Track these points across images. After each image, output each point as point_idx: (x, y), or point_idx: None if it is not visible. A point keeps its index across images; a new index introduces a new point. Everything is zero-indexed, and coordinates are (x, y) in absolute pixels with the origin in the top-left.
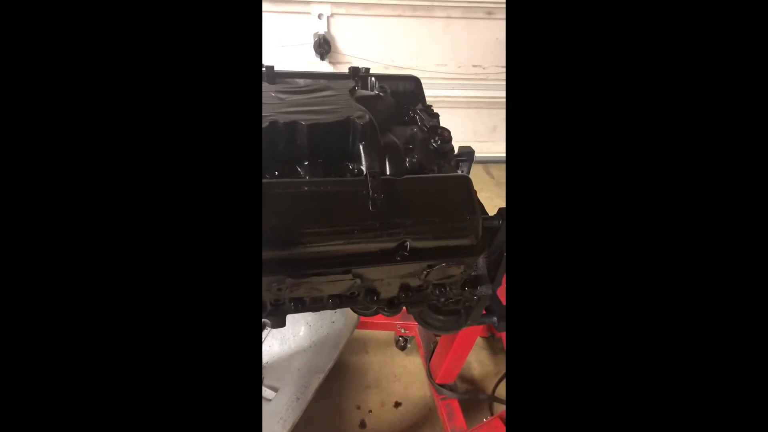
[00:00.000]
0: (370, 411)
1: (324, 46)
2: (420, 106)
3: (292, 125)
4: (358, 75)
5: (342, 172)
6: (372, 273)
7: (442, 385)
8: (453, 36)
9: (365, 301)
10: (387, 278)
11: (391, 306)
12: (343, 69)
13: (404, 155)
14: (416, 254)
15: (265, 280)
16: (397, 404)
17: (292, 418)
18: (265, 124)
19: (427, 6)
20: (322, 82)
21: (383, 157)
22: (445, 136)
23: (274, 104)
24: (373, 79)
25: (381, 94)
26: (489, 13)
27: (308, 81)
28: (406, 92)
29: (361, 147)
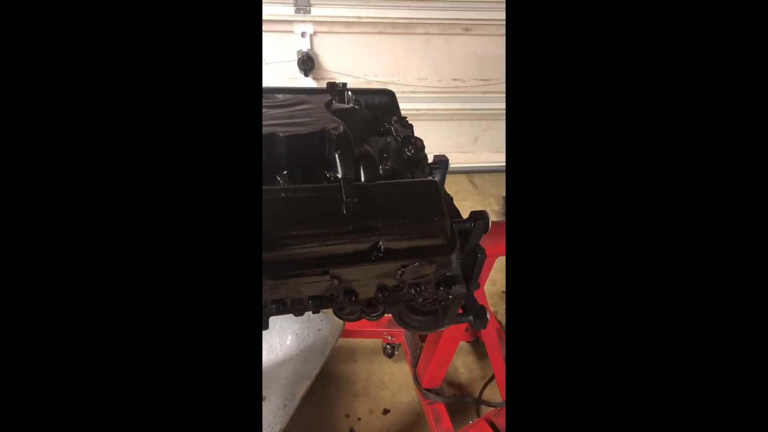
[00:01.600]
0: (359, 419)
1: (308, 63)
2: (395, 117)
3: (271, 137)
4: (336, 90)
5: (319, 180)
6: (349, 273)
7: (428, 390)
8: (432, 51)
9: (344, 302)
10: (364, 279)
11: (370, 306)
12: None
13: (378, 163)
14: (390, 254)
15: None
16: (386, 411)
17: (278, 425)
18: None
19: (407, 23)
20: (301, 97)
21: (358, 165)
22: (418, 145)
23: None
24: (349, 93)
25: (356, 107)
26: (466, 29)
27: (287, 96)
28: (381, 105)
29: (336, 156)
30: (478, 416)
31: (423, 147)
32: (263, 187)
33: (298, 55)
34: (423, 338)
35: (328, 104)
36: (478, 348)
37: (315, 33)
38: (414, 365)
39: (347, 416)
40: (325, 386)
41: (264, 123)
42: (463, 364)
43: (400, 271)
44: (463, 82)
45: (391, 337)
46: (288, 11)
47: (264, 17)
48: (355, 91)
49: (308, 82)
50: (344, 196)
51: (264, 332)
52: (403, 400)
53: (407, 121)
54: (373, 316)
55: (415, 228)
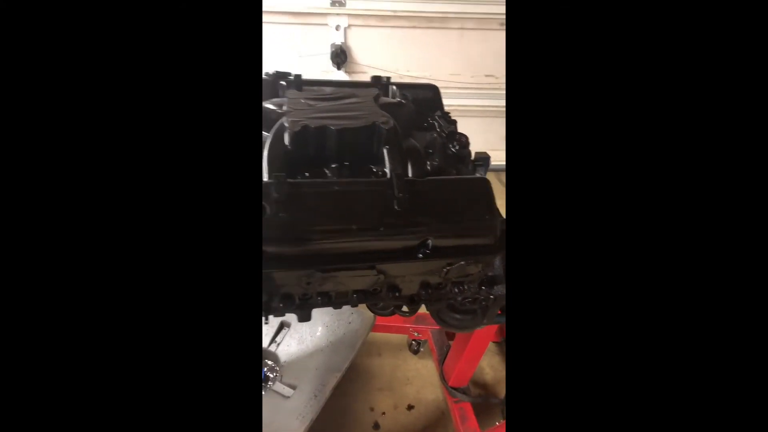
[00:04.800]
0: (384, 413)
1: (341, 56)
2: (438, 112)
3: (322, 130)
4: (380, 83)
5: (367, 174)
6: (395, 269)
7: (455, 389)
8: (467, 47)
9: (387, 297)
10: (408, 275)
11: (411, 303)
12: (359, 78)
13: (425, 159)
14: (437, 252)
15: (296, 274)
16: (410, 407)
17: (310, 414)
18: (296, 129)
19: (442, 18)
20: (348, 90)
21: (405, 160)
22: (463, 141)
23: (304, 110)
24: (394, 87)
25: (403, 101)
26: (502, 24)
27: (334, 89)
28: (425, 100)
29: (385, 150)
30: (504, 417)
31: (468, 143)
32: (316, 180)
33: (331, 48)
34: (450, 336)
35: (376, 98)
36: (504, 348)
37: (349, 26)
38: (441, 363)
39: (372, 409)
40: (350, 378)
41: (314, 115)
42: (488, 365)
43: (445, 269)
44: (496, 78)
45: (418, 334)
46: (324, 3)
47: (299, 10)
48: (400, 86)
49: (340, 76)
50: (395, 191)
51: (294, 323)
52: (428, 397)
53: (450, 117)
54: (407, 313)
55: (465, 226)
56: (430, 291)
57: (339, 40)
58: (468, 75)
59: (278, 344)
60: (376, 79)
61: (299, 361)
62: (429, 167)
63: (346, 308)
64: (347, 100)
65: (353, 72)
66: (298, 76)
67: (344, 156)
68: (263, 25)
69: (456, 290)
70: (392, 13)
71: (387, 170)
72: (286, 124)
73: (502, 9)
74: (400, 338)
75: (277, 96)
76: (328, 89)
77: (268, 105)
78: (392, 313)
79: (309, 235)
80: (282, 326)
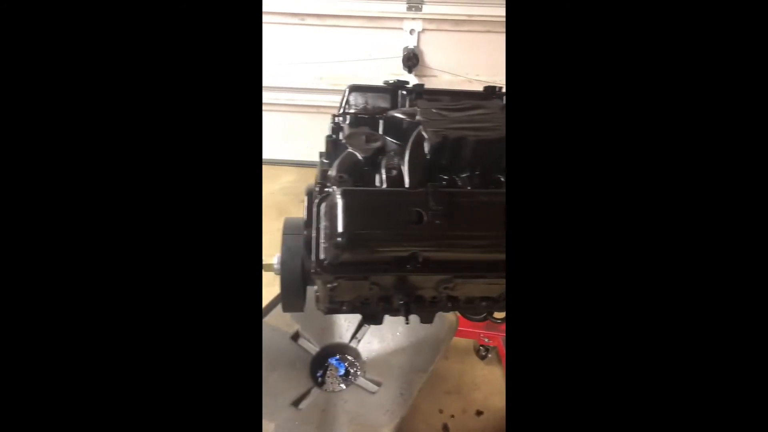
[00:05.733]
0: (453, 416)
1: (413, 60)
2: None
3: (461, 140)
4: (494, 93)
5: (497, 185)
6: None
7: None
8: None
9: (501, 303)
10: None
11: None
12: (428, 81)
13: None
14: None
15: (437, 278)
16: (479, 413)
17: (398, 411)
18: (438, 139)
19: None
20: (474, 102)
21: None
22: None
23: (438, 120)
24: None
25: None
26: None
27: (456, 99)
28: None
29: None
30: None
31: None
32: (477, 191)
33: (403, 52)
34: None
35: (502, 109)
36: None
37: (423, 30)
38: None
39: (441, 411)
40: None
41: (451, 126)
42: None
43: None
44: None
45: (488, 340)
46: (400, 8)
47: (374, 14)
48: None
49: (411, 79)
50: None
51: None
52: (497, 404)
53: None
54: (499, 320)
55: None
56: None
57: (412, 44)
58: None
59: (359, 341)
60: (490, 89)
61: (381, 359)
62: None
63: None
64: (476, 111)
65: (423, 76)
66: (419, 86)
67: (476, 166)
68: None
69: None
70: (467, 18)
71: None
72: (426, 134)
73: None
74: (467, 343)
75: (397, 104)
76: (446, 98)
77: (397, 114)
78: (485, 319)
79: (461, 241)
80: (362, 323)
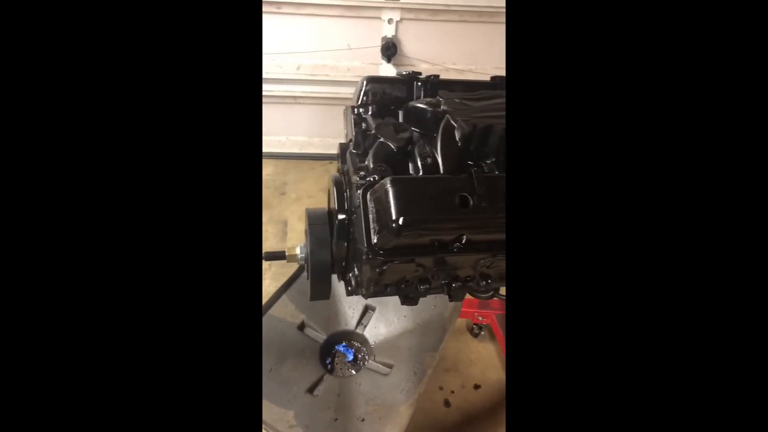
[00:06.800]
0: (453, 392)
1: (391, 49)
2: None
3: (489, 128)
4: (503, 83)
5: None
6: None
7: None
8: None
9: None
10: None
11: None
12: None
13: None
14: None
15: (476, 258)
16: (477, 386)
17: (414, 389)
18: (468, 128)
19: (492, 12)
20: (492, 92)
21: None
22: None
23: (464, 110)
24: None
25: None
26: None
27: (471, 88)
28: None
29: None
30: None
31: None
32: (491, 174)
33: (382, 41)
34: None
35: None
36: None
37: (401, 20)
38: None
39: (441, 388)
40: None
41: (478, 115)
42: None
43: None
44: None
45: (482, 318)
46: None
47: (352, 3)
48: None
49: (389, 68)
50: None
51: (379, 307)
52: (492, 377)
53: None
54: (505, 297)
55: None
56: None
57: (390, 34)
58: None
59: (365, 326)
60: (498, 79)
61: (390, 343)
62: None
63: None
64: (495, 101)
65: (401, 65)
66: (435, 77)
67: (501, 152)
68: (315, 18)
69: None
70: (444, 7)
71: None
72: (455, 123)
73: None
74: (460, 322)
75: (413, 94)
76: (461, 88)
77: (419, 104)
78: (492, 297)
79: (501, 223)
80: (367, 309)
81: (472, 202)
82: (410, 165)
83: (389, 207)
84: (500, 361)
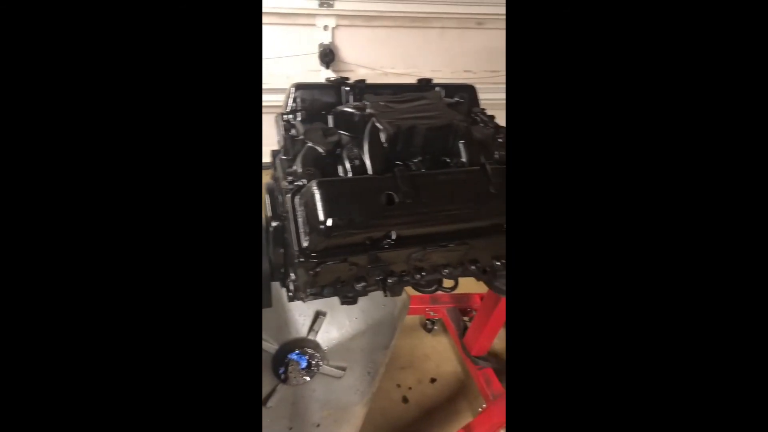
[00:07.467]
0: (410, 388)
1: (329, 56)
2: (477, 109)
3: (412, 129)
4: (428, 85)
5: (445, 166)
6: (480, 244)
7: (478, 357)
8: (447, 44)
9: (468, 269)
10: (488, 249)
11: (484, 273)
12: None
13: (492, 149)
14: None
15: (407, 252)
16: (433, 380)
17: (368, 389)
18: (393, 129)
19: (425, 17)
20: (417, 94)
21: (479, 152)
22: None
23: (389, 112)
24: (438, 88)
25: (461, 100)
26: (479, 23)
27: (398, 91)
28: (468, 98)
29: (461, 145)
30: None
31: None
32: (432, 171)
33: (319, 48)
34: (464, 313)
35: (442, 99)
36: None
37: (337, 26)
38: (461, 337)
39: (398, 386)
40: None
41: (402, 116)
42: (497, 336)
43: None
44: (474, 73)
45: (433, 313)
46: (312, 5)
47: (287, 11)
48: (443, 86)
49: (328, 74)
50: (491, 178)
51: (330, 311)
52: (447, 369)
53: (487, 112)
54: (448, 289)
55: None
56: (501, 262)
57: (327, 40)
58: (449, 71)
59: (316, 332)
60: (424, 81)
61: (342, 345)
62: (497, 156)
63: (379, 292)
64: (420, 102)
65: (340, 71)
66: (362, 81)
67: (426, 151)
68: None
69: None
70: (378, 14)
71: (464, 161)
72: (380, 125)
73: (479, 9)
74: (413, 320)
75: (341, 100)
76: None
77: (347, 108)
78: (435, 290)
79: (428, 216)
80: (318, 315)
81: (397, 200)
82: (339, 168)
83: (316, 209)
84: (454, 353)
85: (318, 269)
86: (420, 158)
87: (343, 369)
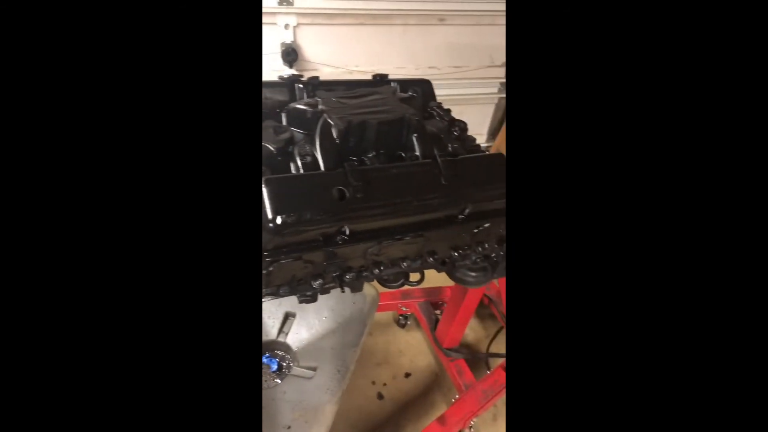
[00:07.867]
0: (385, 384)
1: (291, 55)
2: (433, 103)
3: (363, 124)
4: (385, 80)
5: (399, 160)
6: (436, 235)
7: (449, 349)
8: (410, 41)
9: (426, 260)
10: (444, 240)
11: (443, 264)
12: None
13: (445, 143)
14: (472, 216)
15: (363, 247)
16: (407, 375)
17: (339, 387)
18: (343, 125)
19: (387, 14)
20: (369, 89)
21: (432, 145)
22: (463, 126)
23: (340, 108)
24: (394, 83)
25: (414, 95)
26: (441, 19)
27: (352, 87)
28: (423, 92)
29: (414, 138)
30: (488, 369)
31: (466, 128)
32: (383, 165)
33: (281, 47)
34: (435, 306)
35: (395, 94)
36: (479, 311)
37: (298, 25)
38: (432, 330)
39: (373, 383)
40: None
41: (353, 112)
42: (468, 327)
43: (475, 231)
44: (439, 69)
45: (406, 309)
46: (271, 3)
47: None
48: (398, 81)
49: (292, 73)
50: (443, 170)
51: (299, 312)
52: (421, 363)
53: (443, 106)
54: (415, 282)
55: (493, 193)
56: (460, 252)
57: (289, 39)
58: (412, 67)
59: (286, 334)
60: (380, 77)
61: (313, 345)
62: (451, 149)
63: (347, 290)
64: (372, 97)
65: (304, 69)
66: (314, 78)
67: (379, 145)
68: None
69: (479, 249)
70: (339, 11)
71: (417, 155)
72: (331, 121)
73: (441, 6)
74: (387, 316)
75: (295, 97)
76: (341, 88)
77: (299, 105)
78: (402, 285)
79: (380, 210)
80: (287, 317)
81: (348, 195)
82: (291, 165)
83: (265, 207)
84: (428, 347)
85: (271, 268)
86: (374, 153)
87: (314, 369)
